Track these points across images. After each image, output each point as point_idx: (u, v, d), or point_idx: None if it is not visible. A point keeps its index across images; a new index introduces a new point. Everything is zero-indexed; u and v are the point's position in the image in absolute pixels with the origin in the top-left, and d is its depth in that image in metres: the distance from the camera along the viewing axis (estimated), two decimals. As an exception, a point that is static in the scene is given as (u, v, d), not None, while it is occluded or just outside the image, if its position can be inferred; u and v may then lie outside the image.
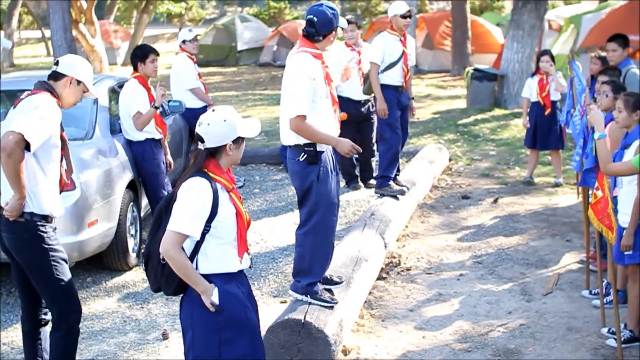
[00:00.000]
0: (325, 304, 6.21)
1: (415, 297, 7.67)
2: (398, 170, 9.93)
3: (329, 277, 6.53)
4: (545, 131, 11.54)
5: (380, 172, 9.76)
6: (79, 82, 5.55)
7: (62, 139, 5.49)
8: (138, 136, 8.72)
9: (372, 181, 10.73)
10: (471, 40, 26.28)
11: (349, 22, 10.26)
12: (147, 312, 7.45)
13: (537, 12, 18.73)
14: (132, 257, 8.52)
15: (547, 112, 11.50)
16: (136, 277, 8.33)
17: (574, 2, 35.73)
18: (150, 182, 8.80)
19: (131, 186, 8.60)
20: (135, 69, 8.89)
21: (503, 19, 33.46)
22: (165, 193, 8.70)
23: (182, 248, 4.32)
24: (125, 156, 8.58)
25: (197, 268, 4.40)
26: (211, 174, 4.39)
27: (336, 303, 6.28)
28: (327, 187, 6.24)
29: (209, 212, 4.32)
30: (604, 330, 6.70)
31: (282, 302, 7.40)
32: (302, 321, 5.89)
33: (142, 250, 8.55)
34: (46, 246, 5.40)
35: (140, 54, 8.85)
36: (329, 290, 6.43)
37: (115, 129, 8.79)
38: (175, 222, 4.28)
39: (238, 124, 4.44)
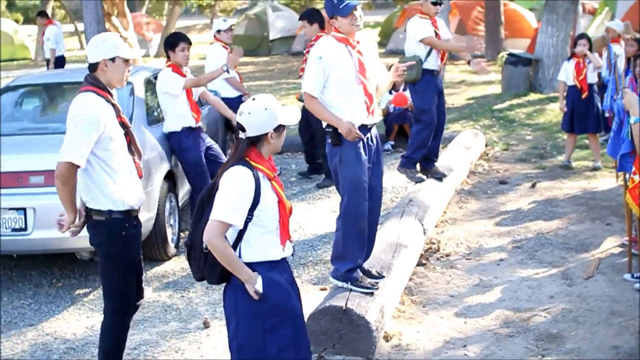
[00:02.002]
0: (366, 291, 6.20)
1: (455, 282, 7.64)
2: (436, 157, 9.88)
3: (367, 269, 6.50)
4: (582, 114, 11.44)
5: (407, 152, 9.71)
6: (112, 59, 5.43)
7: (123, 124, 5.46)
8: (175, 126, 8.75)
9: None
10: (504, 25, 26.07)
11: (300, 17, 10.76)
12: (188, 301, 7.47)
13: (571, -4, 18.54)
14: (171, 246, 8.56)
15: (584, 96, 11.40)
16: (175, 266, 8.36)
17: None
18: (192, 171, 8.82)
19: (169, 176, 8.63)
20: (169, 58, 8.91)
21: (536, 3, 33.11)
22: (208, 181, 8.70)
23: (225, 237, 4.31)
24: (163, 147, 8.61)
25: (240, 256, 4.39)
26: (253, 163, 4.38)
27: (377, 289, 6.27)
28: (351, 170, 6.22)
29: (251, 200, 4.31)
30: (648, 313, 6.64)
31: (322, 290, 7.40)
32: (344, 308, 5.89)
33: (182, 240, 8.62)
34: (120, 243, 5.45)
35: (171, 42, 8.89)
36: (371, 276, 6.42)
37: (152, 119, 8.82)
38: (218, 211, 4.28)
39: (279, 112, 4.43)
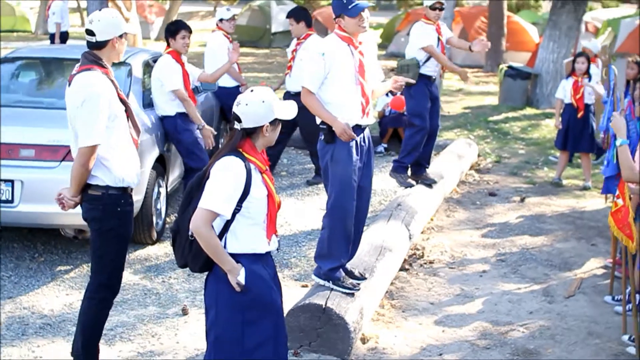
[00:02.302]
0: (347, 291, 6.21)
1: (436, 290, 7.64)
2: (428, 163, 9.89)
3: (350, 269, 6.50)
4: (577, 133, 11.48)
5: (399, 156, 9.71)
6: (121, 36, 5.47)
7: (122, 100, 5.48)
8: (169, 110, 8.73)
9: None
10: (506, 37, 26.11)
11: (288, 15, 10.72)
12: (168, 287, 7.46)
13: (575, 13, 18.58)
14: (156, 231, 8.52)
15: (580, 115, 11.43)
16: (159, 251, 8.34)
17: (612, 5, 35.43)
18: (188, 153, 8.80)
19: (159, 161, 8.61)
20: (169, 45, 8.89)
21: (539, 18, 33.25)
22: (202, 159, 8.66)
23: (212, 226, 4.30)
24: (156, 130, 8.59)
25: (225, 247, 4.38)
26: (246, 154, 4.38)
27: (358, 290, 6.28)
28: (343, 169, 6.23)
29: (241, 191, 4.31)
30: (625, 337, 6.64)
31: (303, 286, 7.40)
32: (323, 306, 5.90)
33: (168, 225, 8.60)
34: (114, 219, 5.46)
35: (172, 29, 8.87)
36: (353, 277, 6.42)
37: (147, 102, 8.79)
38: (208, 200, 4.27)
39: (276, 106, 4.44)
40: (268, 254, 4.56)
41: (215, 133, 9.14)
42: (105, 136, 5.30)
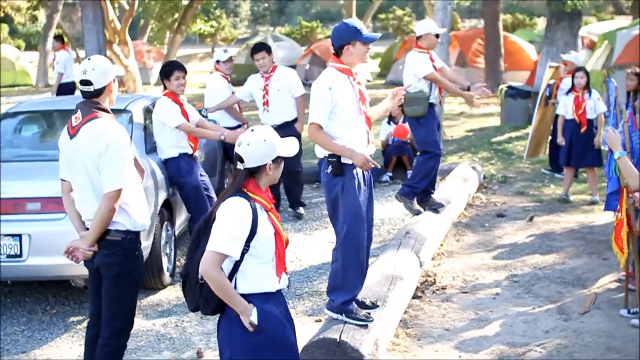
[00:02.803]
0: (361, 323, 6.17)
1: (451, 316, 7.61)
2: (433, 188, 9.87)
3: (361, 300, 6.47)
4: (580, 149, 11.48)
5: (410, 181, 9.69)
6: (114, 80, 5.59)
7: None
8: (172, 153, 8.76)
9: (300, 209, 11.10)
10: (504, 57, 26.15)
11: (257, 50, 10.62)
12: (182, 331, 7.44)
13: (570, 29, 18.64)
14: (167, 275, 8.52)
15: (582, 130, 11.43)
16: (170, 295, 8.33)
17: (607, 19, 35.52)
18: (191, 196, 8.82)
19: (166, 205, 8.62)
20: (165, 87, 8.93)
21: (536, 36, 33.32)
22: (208, 207, 8.69)
23: (221, 268, 4.30)
24: (161, 175, 8.61)
25: (235, 288, 4.39)
26: (250, 194, 4.39)
27: (371, 321, 6.24)
28: (353, 200, 6.24)
29: (248, 231, 4.31)
30: (644, 349, 6.60)
31: (317, 321, 7.37)
32: (338, 340, 5.86)
33: (178, 269, 8.59)
34: (133, 265, 5.53)
35: (166, 71, 8.90)
36: (365, 307, 6.39)
37: (149, 148, 8.82)
38: (215, 242, 4.27)
39: (277, 144, 4.45)
40: (279, 291, 4.55)
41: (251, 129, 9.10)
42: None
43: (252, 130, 4.47)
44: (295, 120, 10.73)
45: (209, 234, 4.36)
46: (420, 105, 9.34)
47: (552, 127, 13.34)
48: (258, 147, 4.39)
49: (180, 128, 8.73)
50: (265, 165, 4.42)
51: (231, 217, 4.31)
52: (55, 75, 18.17)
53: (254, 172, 4.43)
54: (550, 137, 13.65)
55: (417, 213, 9.54)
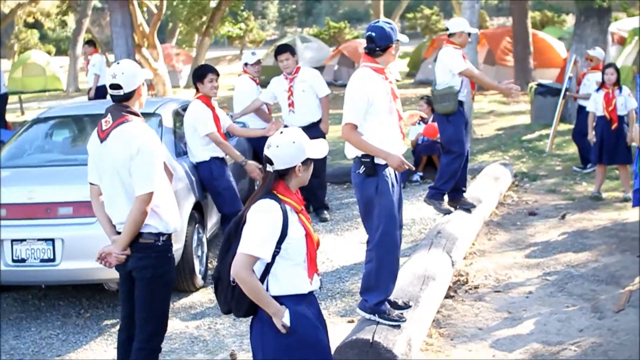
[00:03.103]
0: (394, 323, 6.16)
1: (484, 315, 7.58)
2: (465, 187, 9.84)
3: (393, 300, 6.46)
4: (612, 146, 11.39)
5: (436, 183, 9.67)
6: (143, 83, 5.63)
7: None
8: (203, 156, 8.79)
9: (325, 212, 11.04)
10: (533, 55, 26.03)
11: (281, 51, 10.61)
12: (215, 333, 7.46)
13: (600, 26, 18.48)
14: (199, 278, 8.55)
15: (613, 127, 11.35)
16: (203, 297, 8.36)
17: (637, 14, 35.23)
18: (223, 199, 8.85)
19: (197, 208, 8.65)
20: (197, 90, 8.95)
21: (565, 33, 33.20)
22: (239, 209, 8.71)
23: (253, 270, 4.31)
24: (191, 178, 8.64)
25: (267, 290, 4.39)
26: (280, 196, 4.39)
27: (404, 322, 6.23)
28: (388, 200, 6.26)
29: (279, 233, 4.31)
30: (680, 347, 6.54)
31: (349, 322, 7.36)
32: (371, 341, 5.85)
33: (210, 272, 8.61)
34: (166, 267, 5.58)
35: (199, 74, 8.92)
36: (397, 307, 6.38)
37: (180, 151, 8.85)
38: (246, 245, 4.28)
39: (307, 146, 4.45)
40: (311, 293, 4.55)
41: (260, 166, 9.11)
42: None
43: (281, 132, 4.47)
44: (320, 121, 10.72)
45: (240, 236, 4.37)
46: (451, 101, 9.32)
47: (576, 122, 13.45)
48: (287, 149, 4.39)
49: (210, 137, 8.74)
50: (295, 167, 4.42)
51: (262, 219, 4.31)
52: (91, 77, 18.31)
53: (283, 174, 4.43)
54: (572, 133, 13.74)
55: (448, 212, 9.52)
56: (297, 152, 4.41)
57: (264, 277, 4.40)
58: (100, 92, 17.87)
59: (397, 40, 6.36)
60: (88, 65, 18.92)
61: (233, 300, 4.48)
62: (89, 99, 17.88)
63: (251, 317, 4.54)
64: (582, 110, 13.27)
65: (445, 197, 9.70)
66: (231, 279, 4.39)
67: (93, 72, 18.11)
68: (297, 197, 4.50)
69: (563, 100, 13.81)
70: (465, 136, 9.55)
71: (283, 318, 4.34)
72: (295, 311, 4.38)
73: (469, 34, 9.51)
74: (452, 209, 9.61)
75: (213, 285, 4.65)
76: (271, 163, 4.40)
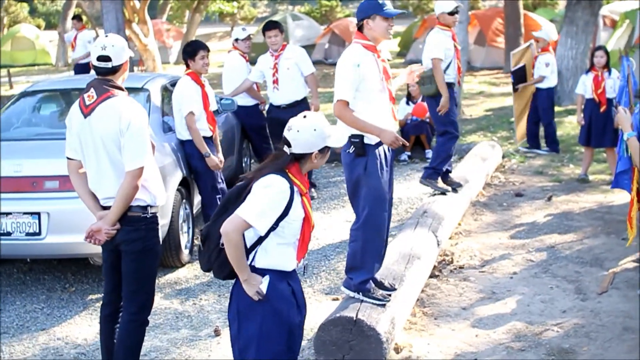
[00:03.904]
0: (378, 302, 6.18)
1: (468, 295, 7.61)
2: (451, 167, 9.87)
3: (380, 280, 6.48)
4: (600, 128, 11.42)
5: (432, 163, 9.71)
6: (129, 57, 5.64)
7: None
8: (189, 135, 8.74)
9: (312, 190, 10.91)
10: (524, 36, 25.99)
11: (269, 27, 10.55)
12: (199, 309, 7.48)
13: (591, 9, 18.50)
14: (185, 254, 8.56)
15: (602, 109, 11.37)
16: (188, 273, 8.37)
17: (629, -2, 35.20)
18: (202, 180, 8.82)
19: (183, 184, 8.64)
20: (188, 66, 8.91)
21: (557, 15, 33.08)
22: (219, 190, 8.73)
23: (243, 235, 4.32)
24: (178, 154, 8.62)
25: (254, 260, 4.43)
26: (291, 176, 4.38)
27: (388, 301, 6.25)
28: (376, 181, 6.23)
29: (281, 211, 4.32)
30: (661, 329, 6.58)
31: (334, 300, 7.39)
32: (354, 319, 5.87)
33: (196, 247, 8.62)
34: (155, 239, 5.60)
35: (190, 51, 8.86)
36: (383, 287, 6.40)
37: (167, 127, 8.83)
38: (246, 210, 4.28)
39: (327, 134, 4.43)
40: (294, 271, 4.57)
41: (222, 160, 9.03)
42: None
43: (305, 116, 4.44)
44: (305, 99, 10.68)
45: (240, 202, 4.36)
46: (433, 83, 9.35)
47: (531, 104, 13.57)
48: (308, 135, 4.37)
49: (186, 118, 8.66)
50: (312, 153, 4.41)
51: (269, 194, 4.31)
52: (82, 52, 18.28)
53: (299, 158, 4.42)
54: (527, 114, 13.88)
55: (445, 192, 9.57)
56: (317, 139, 4.39)
57: (253, 247, 4.42)
58: (81, 69, 17.83)
59: (376, 14, 6.19)
60: (75, 40, 18.84)
61: (217, 261, 4.52)
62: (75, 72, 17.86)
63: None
64: (538, 92, 13.42)
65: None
66: (220, 241, 4.40)
67: (86, 49, 18.06)
68: (305, 179, 4.49)
69: (516, 93, 13.88)
70: (456, 117, 9.58)
71: (261, 285, 4.37)
72: (274, 284, 4.41)
73: (452, 13, 9.47)
74: (448, 188, 9.65)
75: (200, 242, 4.63)
76: (289, 145, 4.38)
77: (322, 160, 4.51)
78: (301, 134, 4.36)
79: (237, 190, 4.51)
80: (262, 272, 4.41)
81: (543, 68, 13.15)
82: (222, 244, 4.39)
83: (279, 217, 4.33)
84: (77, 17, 19.94)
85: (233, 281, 4.57)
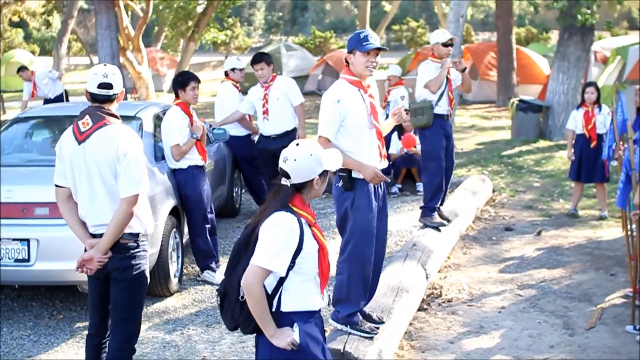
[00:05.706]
0: (365, 335, 6.19)
1: (456, 329, 7.61)
2: (442, 202, 9.90)
3: (368, 313, 6.49)
4: (590, 164, 11.44)
5: (425, 203, 9.74)
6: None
7: None
8: (181, 164, 8.73)
9: None
10: (516, 71, 26.17)
11: (257, 60, 10.60)
12: (187, 339, 7.45)
13: (583, 44, 18.64)
14: (174, 282, 8.53)
15: (592, 145, 11.41)
16: (177, 302, 8.35)
17: (621, 34, 35.47)
18: (192, 210, 8.80)
19: (173, 212, 8.64)
20: (177, 96, 8.92)
21: (549, 50, 33.34)
22: (209, 220, 8.73)
23: (263, 284, 4.24)
24: (169, 182, 8.63)
25: (279, 305, 4.33)
26: (296, 209, 4.32)
27: (376, 334, 6.25)
28: (362, 216, 6.24)
29: (295, 247, 4.24)
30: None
31: (321, 331, 7.37)
32: (342, 351, 5.88)
33: (185, 277, 8.58)
34: (144, 267, 5.58)
35: (182, 81, 8.88)
36: (371, 320, 6.40)
37: (159, 155, 8.84)
38: (261, 257, 4.19)
39: (324, 158, 4.38)
40: (319, 310, 4.51)
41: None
42: None
43: (298, 144, 4.40)
44: (295, 130, 10.70)
45: (251, 250, 4.29)
46: (425, 114, 9.39)
47: None
48: (305, 162, 4.31)
49: (172, 149, 8.67)
50: (313, 180, 4.37)
51: (279, 233, 4.23)
52: (48, 86, 18.07)
53: (300, 188, 4.36)
54: None
55: (442, 225, 9.66)
56: (315, 164, 4.35)
57: (276, 292, 4.33)
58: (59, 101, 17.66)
59: (356, 50, 6.20)
60: (35, 86, 18.41)
61: (242, 315, 4.39)
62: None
63: (255, 334, 4.47)
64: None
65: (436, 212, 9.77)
66: (241, 294, 4.31)
67: (50, 86, 17.88)
68: (310, 210, 4.43)
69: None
70: (443, 150, 9.56)
71: (294, 335, 4.27)
72: (305, 330, 4.33)
73: (446, 44, 9.52)
74: (444, 221, 9.68)
75: (219, 301, 4.54)
76: (288, 177, 4.33)
77: (324, 186, 4.46)
78: (299, 162, 4.31)
79: (244, 238, 4.42)
80: (289, 316, 4.32)
81: (399, 100, 13.62)
82: (242, 297, 4.29)
83: (295, 253, 4.25)
84: (21, 69, 19.11)
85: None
